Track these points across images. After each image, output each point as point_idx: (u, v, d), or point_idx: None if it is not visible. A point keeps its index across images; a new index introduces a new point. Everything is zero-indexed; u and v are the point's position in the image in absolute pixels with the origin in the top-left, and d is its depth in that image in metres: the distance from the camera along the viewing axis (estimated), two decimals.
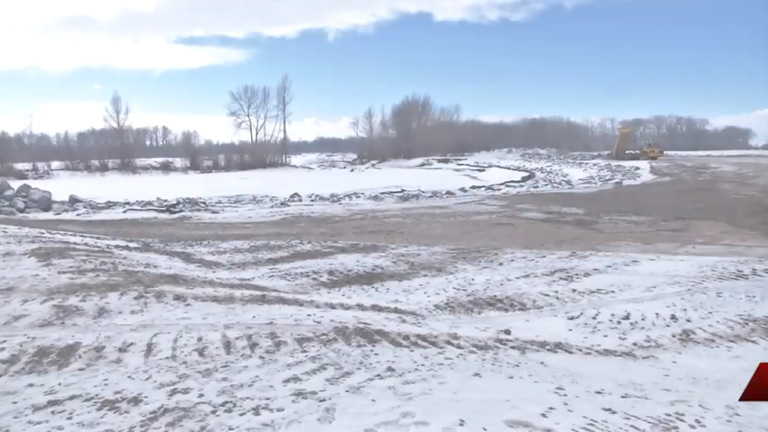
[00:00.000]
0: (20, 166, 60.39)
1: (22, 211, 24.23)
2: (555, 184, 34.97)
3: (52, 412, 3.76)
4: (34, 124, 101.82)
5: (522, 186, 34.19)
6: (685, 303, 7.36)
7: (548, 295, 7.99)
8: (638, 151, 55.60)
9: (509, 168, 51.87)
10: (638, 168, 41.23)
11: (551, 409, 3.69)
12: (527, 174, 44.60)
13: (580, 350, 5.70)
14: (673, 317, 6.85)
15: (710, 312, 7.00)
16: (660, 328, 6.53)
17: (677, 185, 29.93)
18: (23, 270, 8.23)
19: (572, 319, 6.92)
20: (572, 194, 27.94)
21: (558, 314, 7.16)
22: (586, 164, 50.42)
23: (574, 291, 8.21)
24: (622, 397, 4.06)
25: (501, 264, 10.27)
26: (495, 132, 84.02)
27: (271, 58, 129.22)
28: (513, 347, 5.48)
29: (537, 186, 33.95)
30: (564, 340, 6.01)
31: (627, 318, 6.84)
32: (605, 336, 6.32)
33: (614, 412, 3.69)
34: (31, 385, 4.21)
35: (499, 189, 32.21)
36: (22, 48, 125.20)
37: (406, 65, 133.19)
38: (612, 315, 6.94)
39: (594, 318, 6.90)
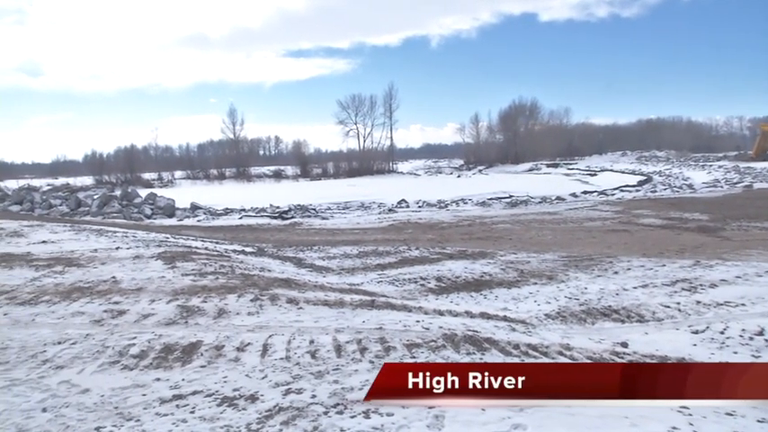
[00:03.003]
0: (147, 175, 65.62)
1: (149, 217, 26.15)
2: (675, 189, 32.93)
3: (177, 406, 4.01)
4: (159, 137, 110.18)
5: (638, 191, 32.47)
6: None
7: (669, 307, 7.51)
8: None
9: (623, 172, 49.50)
10: None
11: (674, 429, 3.47)
12: (643, 178, 42.29)
13: None
14: None
15: None
16: None
17: None
18: (151, 272, 8.85)
19: (696, 333, 6.45)
20: (694, 199, 26.16)
21: (681, 327, 6.70)
22: (710, 166, 47.02)
23: (698, 302, 7.65)
24: (758, 421, 3.72)
25: (616, 272, 9.79)
26: (608, 135, 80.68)
27: (375, 67, 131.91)
28: (630, 361, 5.21)
29: (655, 191, 32.13)
30: (687, 355, 5.63)
31: (761, 333, 6.27)
32: (735, 352, 5.83)
33: None
34: (158, 379, 4.52)
35: (613, 194, 30.82)
36: (146, 66, 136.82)
37: (512, 68, 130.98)
38: (743, 330, 6.39)
39: (722, 332, 6.38)
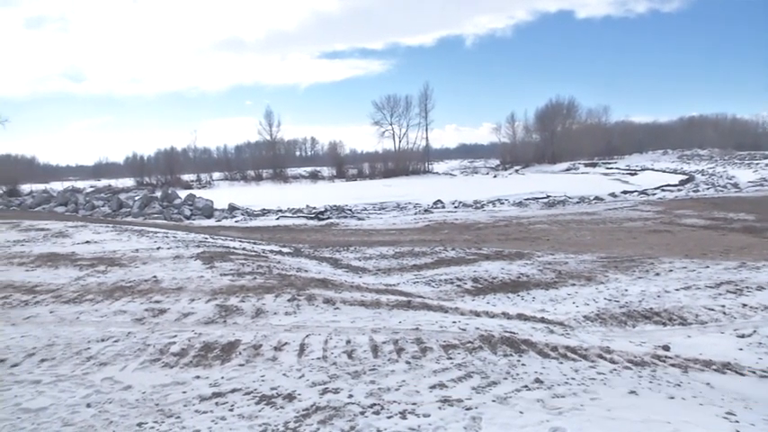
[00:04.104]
0: (186, 177, 66.81)
1: (188, 218, 26.62)
2: (719, 188, 32.05)
3: (216, 403, 4.06)
4: (197, 139, 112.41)
5: (680, 191, 31.72)
6: None
7: (713, 309, 7.30)
8: None
9: (665, 171, 48.45)
10: None
11: None
12: (686, 177, 41.29)
13: (754, 372, 5.13)
14: None
15: None
16: None
17: None
18: (190, 272, 9.01)
19: (743, 337, 6.25)
20: (740, 198, 25.40)
21: (726, 331, 6.51)
22: (757, 164, 45.58)
23: (744, 305, 7.41)
24: None
25: (657, 274, 9.57)
26: (649, 133, 79.06)
27: (410, 68, 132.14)
28: (673, 365, 5.08)
29: (697, 190, 31.34)
30: (733, 360, 5.45)
31: None
32: None
33: None
34: (197, 377, 4.59)
35: (654, 194, 30.17)
36: (184, 70, 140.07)
37: (549, 66, 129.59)
38: None
39: None
